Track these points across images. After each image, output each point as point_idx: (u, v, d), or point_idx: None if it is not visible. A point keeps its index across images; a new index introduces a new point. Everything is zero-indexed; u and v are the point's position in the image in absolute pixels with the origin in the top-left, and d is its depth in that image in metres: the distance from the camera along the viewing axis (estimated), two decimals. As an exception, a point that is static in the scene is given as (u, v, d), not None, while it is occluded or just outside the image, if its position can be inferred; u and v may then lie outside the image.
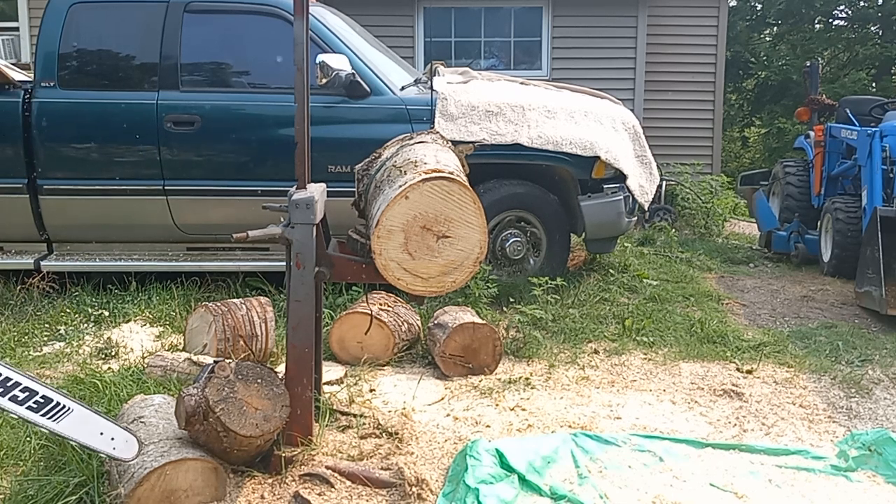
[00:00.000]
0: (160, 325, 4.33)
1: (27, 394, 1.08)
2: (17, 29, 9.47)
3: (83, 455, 2.61)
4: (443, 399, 3.45)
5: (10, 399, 1.02)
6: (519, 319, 4.25)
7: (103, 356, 3.93)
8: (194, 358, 3.45)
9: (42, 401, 1.11)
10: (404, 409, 3.28)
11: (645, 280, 5.40)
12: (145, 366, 3.53)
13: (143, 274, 4.88)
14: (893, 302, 4.72)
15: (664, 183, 8.20)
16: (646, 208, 5.55)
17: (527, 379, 3.67)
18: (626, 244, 6.37)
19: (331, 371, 3.57)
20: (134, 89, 4.75)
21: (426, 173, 2.49)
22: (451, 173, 2.51)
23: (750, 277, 6.13)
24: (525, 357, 3.97)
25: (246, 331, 3.66)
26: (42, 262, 4.75)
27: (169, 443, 2.49)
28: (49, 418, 1.09)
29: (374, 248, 2.50)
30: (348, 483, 2.64)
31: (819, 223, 6.41)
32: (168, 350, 3.83)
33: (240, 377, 2.56)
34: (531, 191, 5.01)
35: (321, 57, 4.33)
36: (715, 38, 9.30)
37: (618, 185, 5.08)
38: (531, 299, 4.53)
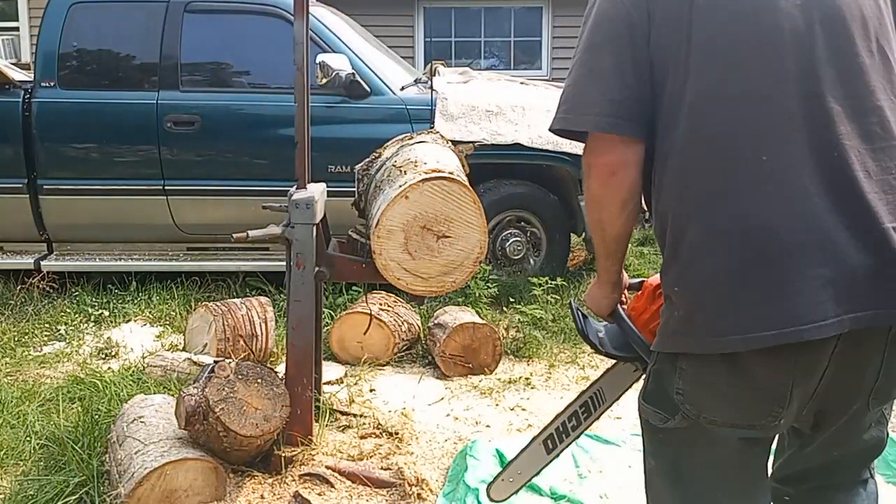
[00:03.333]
0: (160, 325, 4.33)
1: None
2: (17, 29, 9.48)
3: (83, 455, 2.62)
4: (443, 399, 3.45)
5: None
6: (519, 319, 4.25)
7: (103, 356, 3.93)
8: (194, 358, 3.45)
9: None
10: (404, 409, 3.29)
11: (645, 280, 5.38)
12: (145, 366, 3.53)
13: (144, 274, 4.88)
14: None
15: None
16: (646, 208, 5.54)
17: (527, 379, 3.67)
18: (626, 244, 6.35)
19: (331, 371, 3.57)
20: (134, 89, 4.75)
21: (426, 173, 2.49)
22: (451, 173, 2.51)
23: (750, 277, 6.11)
24: (525, 357, 3.97)
25: (246, 331, 3.66)
26: (42, 262, 4.74)
27: (169, 443, 2.49)
28: None
29: (374, 247, 2.50)
30: (348, 483, 2.64)
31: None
32: (168, 350, 3.83)
33: (240, 377, 2.56)
34: (531, 191, 5.00)
35: (321, 57, 4.33)
36: (715, 37, 9.29)
37: (618, 185, 5.05)
38: (531, 299, 4.52)
